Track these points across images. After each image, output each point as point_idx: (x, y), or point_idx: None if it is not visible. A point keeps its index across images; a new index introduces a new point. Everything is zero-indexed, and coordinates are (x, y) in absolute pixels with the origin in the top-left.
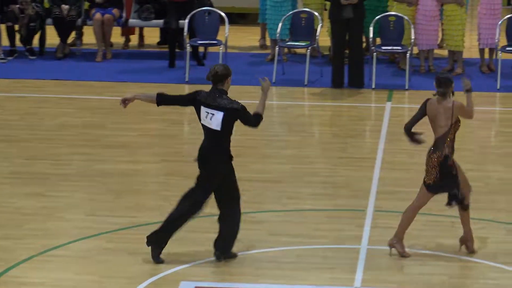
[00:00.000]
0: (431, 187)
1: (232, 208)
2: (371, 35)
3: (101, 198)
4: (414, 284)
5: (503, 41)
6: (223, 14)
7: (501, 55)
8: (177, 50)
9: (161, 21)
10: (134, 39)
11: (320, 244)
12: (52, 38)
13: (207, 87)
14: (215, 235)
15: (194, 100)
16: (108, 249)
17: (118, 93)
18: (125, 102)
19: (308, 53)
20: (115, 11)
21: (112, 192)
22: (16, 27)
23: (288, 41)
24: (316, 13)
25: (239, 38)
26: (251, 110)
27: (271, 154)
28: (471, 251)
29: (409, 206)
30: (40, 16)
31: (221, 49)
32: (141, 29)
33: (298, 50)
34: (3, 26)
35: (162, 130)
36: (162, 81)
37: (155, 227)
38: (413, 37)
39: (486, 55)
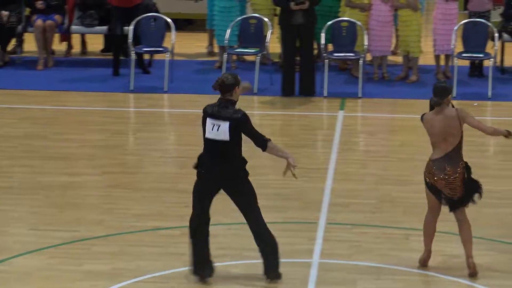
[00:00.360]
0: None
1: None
2: (322, 41)
3: (44, 212)
4: None
5: (459, 47)
6: (169, 20)
7: (457, 62)
8: (121, 57)
9: (105, 28)
10: (77, 46)
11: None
12: None
13: (152, 96)
14: (160, 249)
15: (203, 115)
16: (51, 265)
17: (60, 102)
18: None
19: (258, 61)
20: (57, 17)
21: (54, 205)
22: None
23: (236, 48)
24: (266, 19)
25: (186, 45)
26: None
27: None
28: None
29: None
30: None
31: (167, 56)
32: (83, 35)
33: (247, 57)
34: None
35: (104, 140)
36: (106, 90)
37: (99, 241)
38: (366, 43)
39: (442, 62)
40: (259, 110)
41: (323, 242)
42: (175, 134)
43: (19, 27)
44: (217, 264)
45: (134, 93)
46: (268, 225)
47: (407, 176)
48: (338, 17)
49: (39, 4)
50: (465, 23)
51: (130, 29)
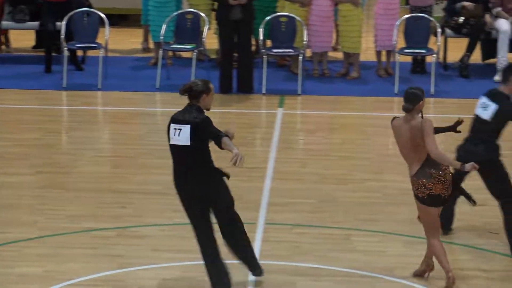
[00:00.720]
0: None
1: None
2: (261, 37)
3: None
4: None
5: (401, 43)
6: (103, 15)
7: (398, 58)
8: (53, 54)
9: (36, 23)
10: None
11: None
12: None
13: (86, 94)
14: (94, 251)
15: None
16: None
17: None
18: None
19: (194, 57)
20: None
21: None
22: None
23: (172, 44)
24: (202, 14)
25: (120, 41)
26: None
27: (155, 164)
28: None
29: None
30: None
31: (101, 52)
32: (6, 31)
33: (184, 54)
34: None
35: (37, 139)
36: (38, 87)
37: (31, 243)
38: (305, 39)
39: (384, 58)
40: None
41: (262, 243)
42: (109, 133)
43: None
44: (151, 267)
45: (67, 91)
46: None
47: (348, 175)
48: (277, 12)
49: None
50: (406, 18)
51: (62, 24)
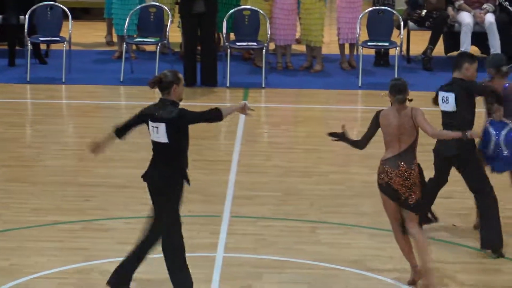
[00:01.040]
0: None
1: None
2: (224, 30)
3: None
4: None
5: (364, 36)
6: (66, 9)
7: (362, 51)
8: (17, 47)
9: None
10: None
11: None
12: None
13: (50, 87)
14: (59, 244)
15: (140, 116)
16: None
17: None
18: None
19: (158, 50)
20: None
21: None
22: None
23: (136, 38)
24: (166, 8)
25: (84, 35)
26: None
27: (119, 157)
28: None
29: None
30: None
31: (64, 46)
32: None
33: (147, 47)
34: None
35: (2, 133)
36: (1, 81)
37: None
38: (269, 32)
39: (347, 51)
40: None
41: (227, 236)
42: (73, 126)
43: None
44: (117, 259)
45: (31, 84)
46: None
47: (312, 168)
48: (240, 5)
49: None
50: (369, 11)
51: (25, 18)
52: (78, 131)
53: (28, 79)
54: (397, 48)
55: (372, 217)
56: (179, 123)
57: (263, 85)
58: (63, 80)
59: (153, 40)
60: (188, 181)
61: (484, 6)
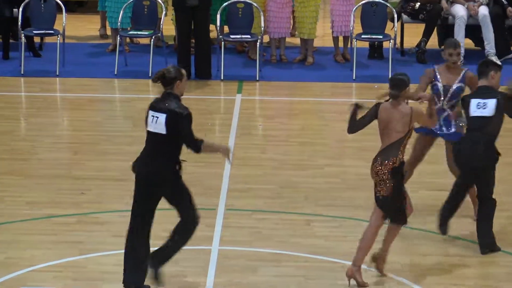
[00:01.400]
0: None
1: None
2: (218, 23)
3: None
4: (269, 286)
5: (358, 29)
6: (59, 1)
7: (356, 44)
8: (11, 40)
9: None
10: None
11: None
12: None
13: (44, 80)
14: (54, 237)
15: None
16: None
17: None
18: None
19: (152, 43)
20: None
21: None
22: None
23: (130, 30)
24: (159, 1)
25: (78, 28)
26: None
27: (113, 150)
28: (381, 271)
29: (366, 230)
30: None
31: (58, 39)
32: None
33: (141, 40)
34: None
35: None
36: None
37: None
38: (263, 25)
39: (341, 44)
40: (155, 94)
41: (223, 229)
42: (67, 119)
43: None
44: (112, 253)
45: (25, 77)
46: (164, 211)
47: (307, 161)
48: None
49: None
50: (363, 4)
51: (19, 11)
52: (72, 124)
53: (22, 72)
54: (391, 40)
55: (367, 210)
56: (178, 120)
57: (257, 78)
58: (57, 73)
59: (147, 33)
60: (179, 176)
61: None
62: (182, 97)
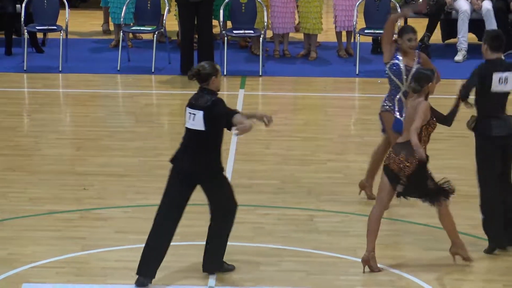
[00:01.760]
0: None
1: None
2: (221, 18)
3: None
4: (271, 282)
5: (361, 24)
6: None
7: (359, 38)
8: (14, 36)
9: None
10: None
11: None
12: None
13: (47, 76)
14: (57, 233)
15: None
16: None
17: None
18: None
19: (155, 39)
20: None
21: None
22: None
23: (133, 26)
24: None
25: (81, 23)
26: None
27: (116, 146)
28: (467, 259)
29: (372, 213)
30: None
31: (61, 35)
32: None
33: (144, 36)
34: None
35: None
36: None
37: None
38: (266, 20)
39: (344, 39)
40: (157, 90)
41: None
42: (70, 115)
43: None
44: (115, 248)
45: (28, 73)
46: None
47: (310, 156)
48: None
49: None
50: None
51: (22, 6)
52: (75, 120)
53: (25, 68)
54: (394, 35)
55: (370, 205)
56: (213, 111)
57: (260, 73)
58: (60, 69)
59: (150, 28)
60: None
61: None
62: (185, 90)
